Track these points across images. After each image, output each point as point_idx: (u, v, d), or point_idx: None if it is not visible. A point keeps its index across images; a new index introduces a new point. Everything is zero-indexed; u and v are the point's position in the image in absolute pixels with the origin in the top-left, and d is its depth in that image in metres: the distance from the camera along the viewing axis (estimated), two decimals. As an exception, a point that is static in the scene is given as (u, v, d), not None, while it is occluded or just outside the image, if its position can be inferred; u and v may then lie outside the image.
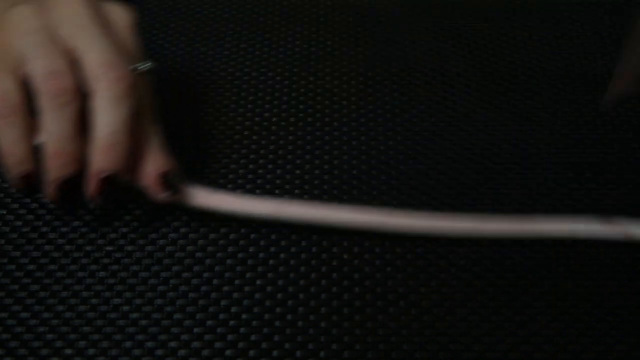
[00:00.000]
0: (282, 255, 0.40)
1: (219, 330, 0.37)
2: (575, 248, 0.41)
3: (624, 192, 0.44)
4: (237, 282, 0.39)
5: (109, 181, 0.38)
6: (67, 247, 0.40)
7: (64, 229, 0.41)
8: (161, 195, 0.39)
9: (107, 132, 0.38)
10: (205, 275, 0.40)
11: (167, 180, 0.39)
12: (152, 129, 0.40)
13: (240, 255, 0.40)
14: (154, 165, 0.39)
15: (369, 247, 0.41)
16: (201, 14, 0.56)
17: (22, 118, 0.39)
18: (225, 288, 0.39)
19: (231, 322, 0.38)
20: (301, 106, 0.49)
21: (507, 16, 0.56)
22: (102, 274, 0.39)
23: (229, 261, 0.40)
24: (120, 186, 0.39)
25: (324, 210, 0.41)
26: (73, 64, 0.39)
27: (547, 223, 0.41)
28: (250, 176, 0.44)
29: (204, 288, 0.39)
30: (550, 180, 0.44)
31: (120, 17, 0.41)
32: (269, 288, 0.39)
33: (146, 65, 0.40)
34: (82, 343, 0.37)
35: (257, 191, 0.43)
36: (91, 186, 0.38)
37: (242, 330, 0.37)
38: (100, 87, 0.38)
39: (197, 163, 0.45)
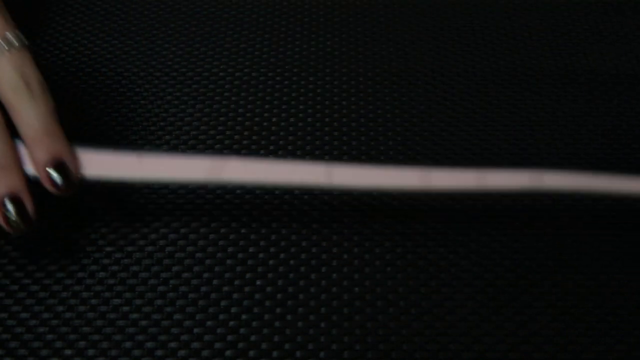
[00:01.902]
0: (282, 256, 0.40)
1: (218, 330, 0.37)
2: (575, 248, 0.41)
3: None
4: (237, 282, 0.39)
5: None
6: (67, 248, 0.40)
7: (64, 230, 0.41)
8: (52, 187, 0.35)
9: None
10: (205, 275, 0.40)
11: (61, 169, 0.35)
12: (39, 110, 0.35)
13: (240, 255, 0.40)
14: (44, 151, 0.35)
15: (368, 247, 0.41)
16: (201, 14, 0.56)
17: None
18: (225, 289, 0.39)
19: (231, 323, 0.38)
20: (301, 106, 0.49)
21: (507, 16, 0.56)
22: (102, 274, 0.39)
23: (229, 262, 0.40)
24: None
25: (268, 166, 0.38)
26: None
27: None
28: (250, 176, 0.44)
29: (204, 289, 0.39)
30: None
31: None
32: (268, 289, 0.39)
33: (18, 38, 0.36)
34: (82, 343, 0.37)
35: (257, 191, 0.43)
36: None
37: (242, 330, 0.37)
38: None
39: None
